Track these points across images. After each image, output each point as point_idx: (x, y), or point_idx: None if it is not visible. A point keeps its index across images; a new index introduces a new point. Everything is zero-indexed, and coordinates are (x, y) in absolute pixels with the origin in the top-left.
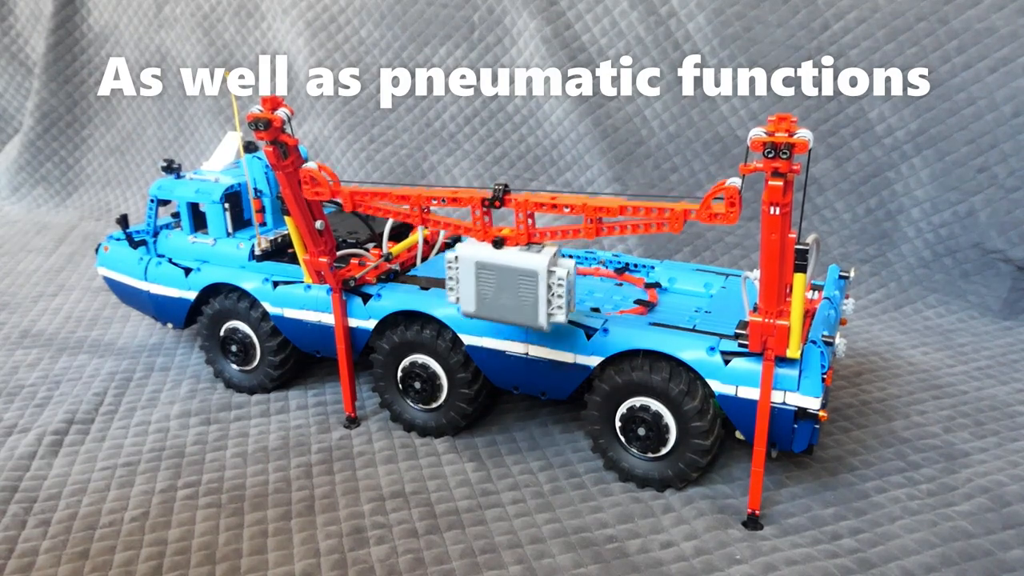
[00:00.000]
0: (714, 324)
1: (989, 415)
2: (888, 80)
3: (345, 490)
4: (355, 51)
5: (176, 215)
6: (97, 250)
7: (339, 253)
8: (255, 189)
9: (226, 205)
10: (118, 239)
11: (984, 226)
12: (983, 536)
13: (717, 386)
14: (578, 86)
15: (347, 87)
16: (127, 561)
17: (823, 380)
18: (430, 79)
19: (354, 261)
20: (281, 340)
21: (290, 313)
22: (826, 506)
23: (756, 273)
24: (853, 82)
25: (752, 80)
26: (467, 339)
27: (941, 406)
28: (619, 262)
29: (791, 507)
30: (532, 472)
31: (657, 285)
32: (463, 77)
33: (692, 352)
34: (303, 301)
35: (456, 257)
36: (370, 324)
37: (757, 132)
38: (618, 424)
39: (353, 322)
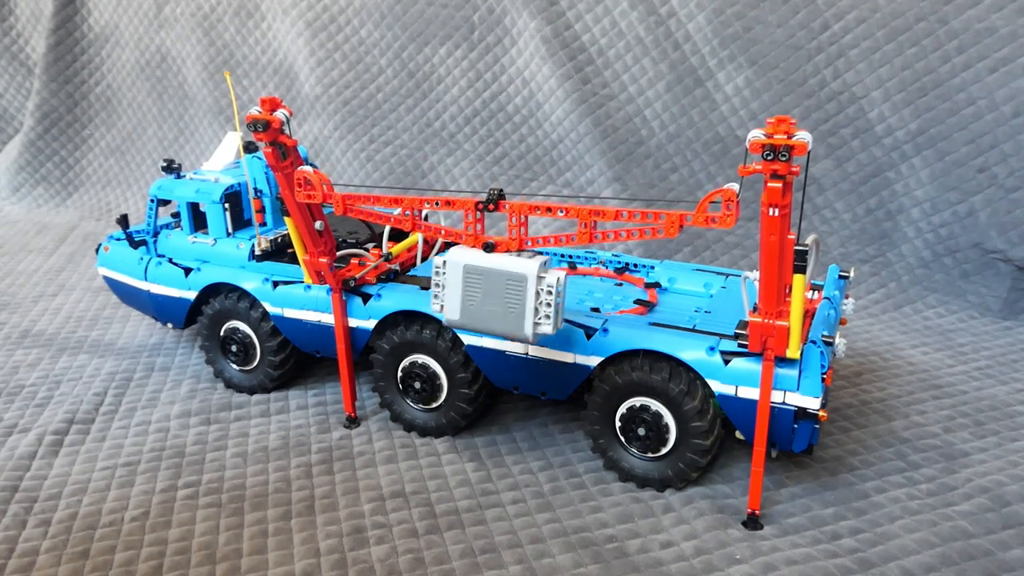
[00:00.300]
0: (714, 324)
1: (989, 415)
2: (888, 80)
3: (345, 490)
4: (355, 51)
5: (176, 215)
6: (97, 250)
7: (339, 253)
8: (255, 189)
9: (226, 205)
10: (118, 239)
11: (984, 226)
12: (983, 536)
13: (717, 386)
14: (578, 86)
15: (347, 87)
16: (127, 561)
17: (823, 380)
18: (430, 79)
19: (354, 261)
20: (281, 340)
21: (290, 313)
22: (826, 506)
23: (756, 273)
24: (853, 82)
25: (752, 80)
26: (467, 339)
27: (941, 406)
28: (619, 262)
29: (791, 507)
30: (532, 472)
31: (657, 285)
32: (463, 77)
33: (692, 352)
34: (303, 301)
35: (444, 262)
36: (370, 324)
37: (756, 134)
38: (618, 424)
39: (353, 322)
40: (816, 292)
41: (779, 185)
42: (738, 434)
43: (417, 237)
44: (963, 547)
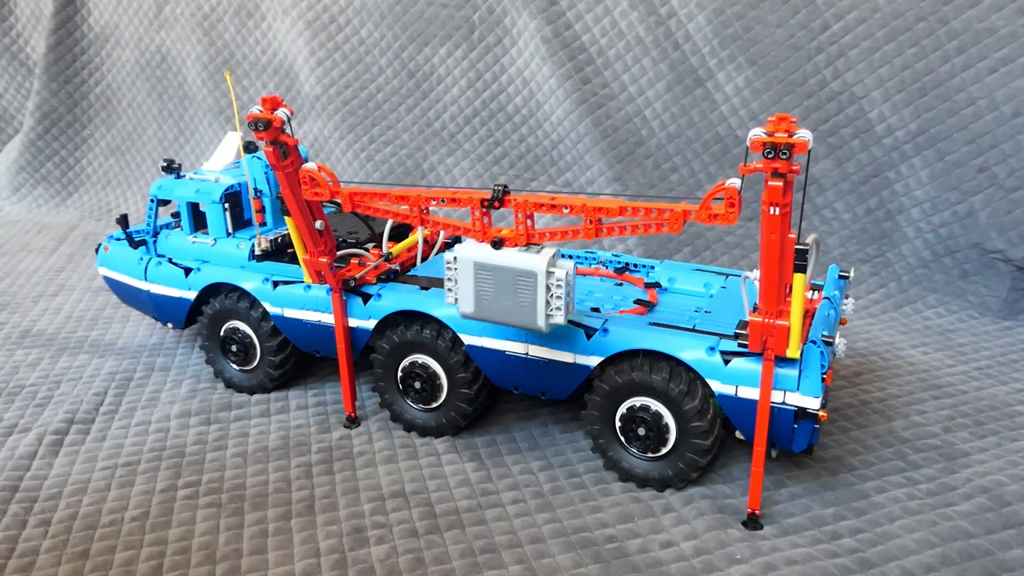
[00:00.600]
0: (714, 324)
1: (989, 415)
2: (888, 80)
3: (345, 490)
4: (355, 51)
5: (176, 215)
6: (97, 250)
7: (339, 253)
8: (255, 189)
9: (226, 205)
10: (118, 239)
11: (984, 226)
12: (983, 536)
13: (717, 386)
14: (578, 86)
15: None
16: (127, 561)
17: (823, 380)
18: (430, 79)
19: (354, 261)
20: (281, 340)
21: (290, 313)
22: (826, 506)
23: (756, 273)
24: (853, 82)
25: (752, 80)
26: (467, 339)
27: (941, 406)
28: (619, 262)
29: (791, 507)
30: (532, 472)
31: (657, 285)
32: (463, 77)
33: (692, 352)
34: (303, 301)
35: (455, 258)
36: (370, 324)
37: (757, 132)
38: (618, 424)
39: (353, 322)
40: (816, 292)
41: (780, 183)
42: (738, 434)
43: (417, 237)
44: (963, 547)
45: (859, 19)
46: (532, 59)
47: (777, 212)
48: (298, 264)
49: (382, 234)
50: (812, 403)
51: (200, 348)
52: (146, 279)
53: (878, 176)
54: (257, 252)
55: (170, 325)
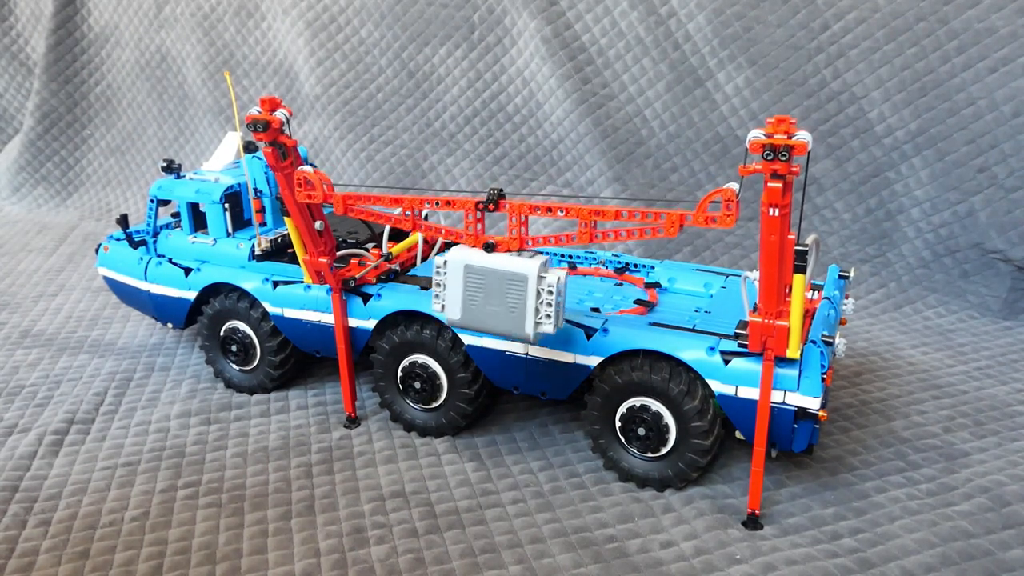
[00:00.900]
0: (714, 324)
1: (989, 415)
2: (888, 80)
3: (345, 490)
4: (355, 51)
5: (176, 215)
6: (97, 250)
7: (339, 253)
8: (255, 189)
9: (226, 205)
10: (118, 239)
11: (984, 226)
12: (983, 536)
13: (717, 386)
14: (578, 86)
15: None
16: (127, 561)
17: (823, 380)
18: (430, 79)
19: (354, 261)
20: (281, 340)
21: (290, 313)
22: (826, 506)
23: (756, 273)
24: (853, 82)
25: (752, 80)
26: (467, 339)
27: (941, 406)
28: (619, 262)
29: (791, 507)
30: (532, 472)
31: (657, 285)
32: (463, 77)
33: (692, 352)
34: (303, 301)
35: (445, 262)
36: (370, 324)
37: (756, 134)
38: (618, 424)
39: (353, 322)
40: (816, 292)
41: (779, 185)
42: (738, 434)
43: (417, 237)
44: (963, 547)
45: (859, 19)
46: (532, 59)
47: (777, 213)
48: (298, 264)
49: (382, 234)
50: (812, 403)
51: (200, 348)
52: (146, 279)
53: (878, 176)
54: (257, 252)
55: (170, 325)
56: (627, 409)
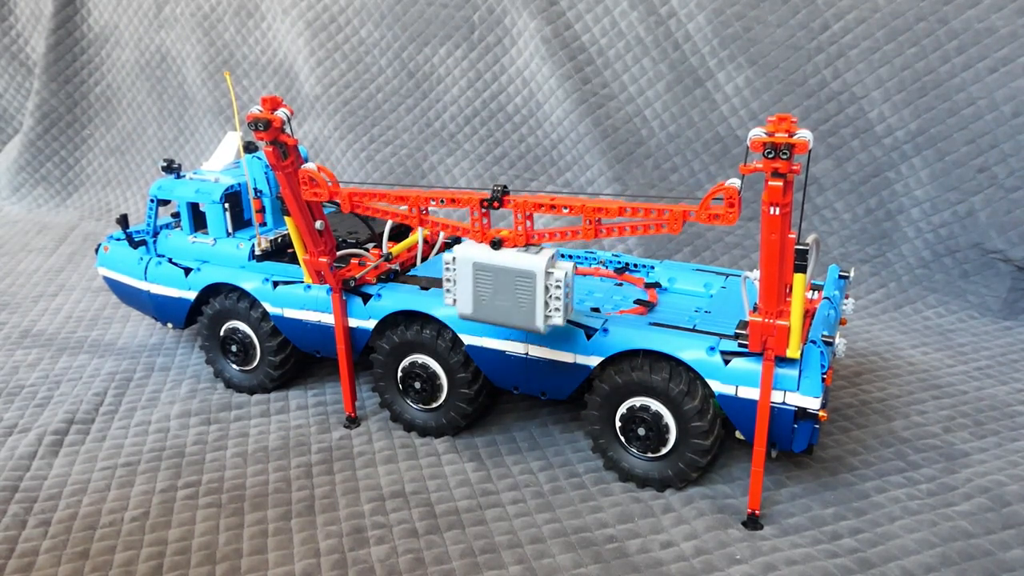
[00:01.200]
0: (714, 324)
1: (989, 415)
2: (888, 80)
3: (345, 490)
4: (355, 51)
5: (176, 215)
6: (97, 250)
7: (339, 253)
8: (255, 189)
9: (226, 205)
10: (118, 239)
11: (984, 226)
12: (983, 536)
13: (717, 386)
14: (578, 86)
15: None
16: (127, 561)
17: (823, 380)
18: (430, 79)
19: (354, 261)
20: (281, 340)
21: (290, 313)
22: (826, 506)
23: (756, 273)
24: (853, 82)
25: (752, 80)
26: (467, 339)
27: (941, 406)
28: (619, 262)
29: (791, 507)
30: (532, 472)
31: (657, 285)
32: (463, 77)
33: (692, 352)
34: (303, 301)
35: (454, 258)
36: (370, 324)
37: (757, 132)
38: (618, 424)
39: (353, 322)
40: (816, 292)
41: (780, 183)
42: (738, 434)
43: (417, 237)
44: (963, 547)
45: (859, 19)
46: (532, 59)
47: (777, 212)
48: (298, 264)
49: (382, 234)
50: (812, 403)
51: (200, 348)
52: (146, 279)
53: (878, 176)
54: (257, 252)
55: (170, 325)
56: (627, 409)
